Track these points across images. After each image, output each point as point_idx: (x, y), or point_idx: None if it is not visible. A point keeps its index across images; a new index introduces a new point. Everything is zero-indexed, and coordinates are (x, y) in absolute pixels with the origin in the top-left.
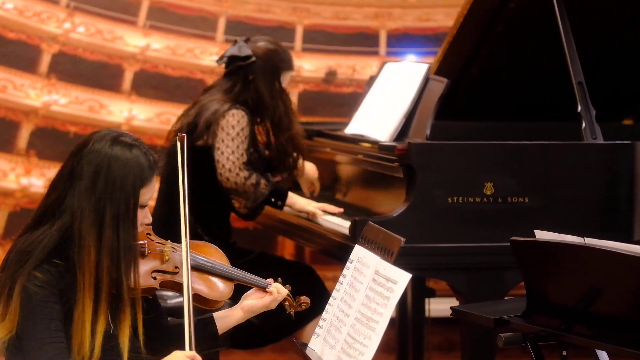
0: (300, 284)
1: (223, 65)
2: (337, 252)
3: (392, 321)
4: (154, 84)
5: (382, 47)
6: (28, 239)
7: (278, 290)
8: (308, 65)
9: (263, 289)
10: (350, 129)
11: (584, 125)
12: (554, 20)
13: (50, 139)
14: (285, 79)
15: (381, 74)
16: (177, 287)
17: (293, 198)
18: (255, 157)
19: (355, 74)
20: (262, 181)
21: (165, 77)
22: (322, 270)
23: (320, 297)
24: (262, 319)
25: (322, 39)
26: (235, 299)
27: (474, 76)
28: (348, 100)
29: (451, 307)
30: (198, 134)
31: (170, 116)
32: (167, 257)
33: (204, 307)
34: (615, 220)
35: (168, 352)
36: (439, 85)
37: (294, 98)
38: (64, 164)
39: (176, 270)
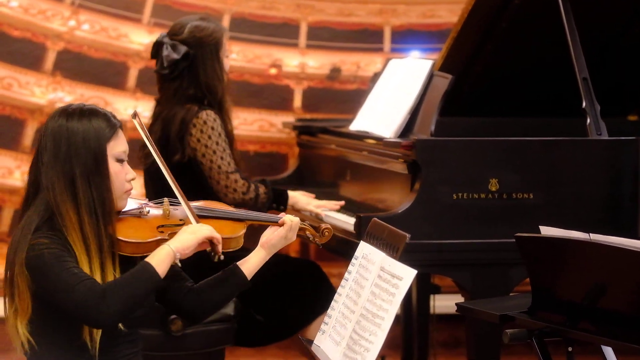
0: (305, 280)
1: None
2: (342, 248)
3: (397, 318)
4: None
5: (387, 44)
6: (18, 227)
7: (291, 219)
8: (312, 62)
9: (276, 223)
10: (355, 126)
11: (588, 121)
12: (559, 16)
13: None
14: (226, 44)
15: (385, 71)
16: None
17: (294, 198)
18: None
19: (360, 71)
20: (261, 190)
21: None
22: (327, 267)
23: (325, 293)
24: (268, 315)
25: (326, 36)
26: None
27: (478, 72)
28: (352, 97)
29: (456, 304)
30: (172, 149)
31: None
32: (167, 213)
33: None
34: (620, 216)
35: (196, 314)
36: (444, 82)
37: (298, 95)
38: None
39: (181, 223)
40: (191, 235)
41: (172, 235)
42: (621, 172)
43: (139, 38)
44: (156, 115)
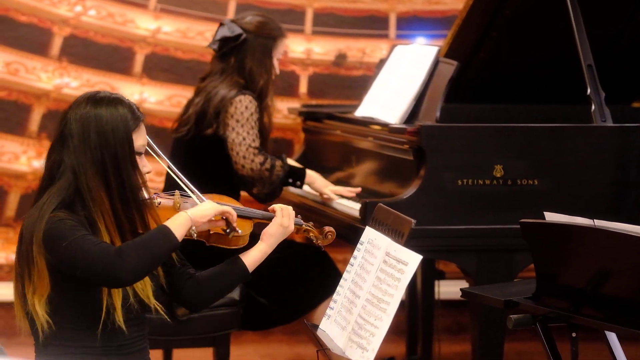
0: (310, 265)
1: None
2: (347, 234)
3: (402, 303)
4: (164, 67)
5: (392, 30)
6: (36, 205)
7: (280, 206)
8: (318, 48)
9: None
10: (361, 112)
11: (593, 107)
12: (564, 3)
13: None
14: (281, 47)
15: (391, 57)
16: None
17: (312, 177)
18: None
19: (365, 57)
20: (278, 163)
21: (176, 60)
22: (332, 252)
23: (330, 278)
24: (272, 299)
25: (332, 22)
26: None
27: (483, 59)
28: (358, 83)
29: (461, 289)
30: (207, 123)
31: (181, 99)
32: (178, 205)
33: (227, 245)
34: (624, 203)
35: (196, 302)
36: (449, 68)
37: (303, 81)
38: (55, 133)
39: None
40: (209, 206)
41: None
42: (626, 158)
43: (146, 24)
44: (200, 89)
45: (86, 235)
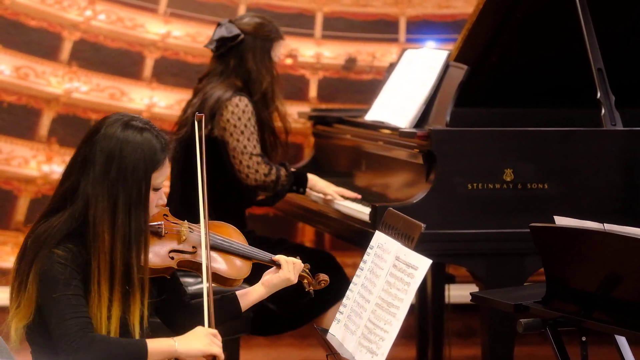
0: (319, 270)
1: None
2: (357, 238)
3: (411, 308)
4: (174, 71)
5: (402, 34)
6: (44, 226)
7: (288, 262)
8: (328, 53)
9: (274, 264)
10: (371, 116)
11: (603, 111)
12: (574, 6)
13: (71, 126)
14: (278, 49)
15: (401, 61)
16: (195, 267)
17: (313, 180)
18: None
19: (375, 61)
20: (282, 173)
21: (186, 65)
22: (341, 256)
23: (340, 283)
24: (282, 305)
25: (342, 26)
26: (256, 278)
27: (493, 63)
28: (368, 87)
29: (471, 293)
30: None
31: None
32: (184, 237)
33: (222, 286)
34: (634, 206)
35: (185, 330)
36: (459, 72)
37: (313, 85)
38: (77, 150)
39: (193, 250)
40: (201, 346)
41: (181, 263)
42: (636, 162)
43: (155, 28)
44: (198, 90)
45: (72, 299)
